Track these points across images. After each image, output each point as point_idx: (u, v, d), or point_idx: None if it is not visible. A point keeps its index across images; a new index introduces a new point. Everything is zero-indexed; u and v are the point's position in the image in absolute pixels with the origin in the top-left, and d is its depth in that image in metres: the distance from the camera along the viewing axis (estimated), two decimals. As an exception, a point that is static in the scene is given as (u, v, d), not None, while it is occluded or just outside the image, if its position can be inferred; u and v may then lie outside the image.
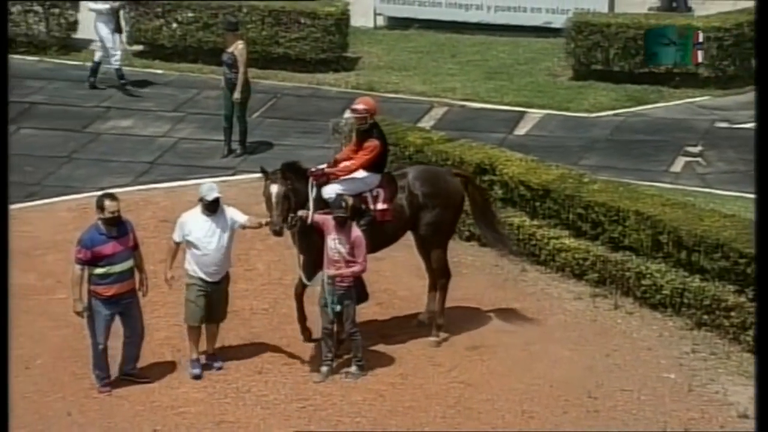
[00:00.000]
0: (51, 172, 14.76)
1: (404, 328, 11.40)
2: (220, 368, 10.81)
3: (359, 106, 11.13)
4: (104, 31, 16.43)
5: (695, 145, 15.13)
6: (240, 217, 10.77)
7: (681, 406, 10.41)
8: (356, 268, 10.60)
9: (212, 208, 10.62)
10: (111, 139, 15.58)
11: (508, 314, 11.70)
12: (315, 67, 17.36)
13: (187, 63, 17.54)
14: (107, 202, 10.33)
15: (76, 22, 17.97)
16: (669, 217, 11.71)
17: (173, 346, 11.10)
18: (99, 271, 10.31)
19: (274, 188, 10.56)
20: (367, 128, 11.06)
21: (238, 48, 14.75)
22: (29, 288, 12.20)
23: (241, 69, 14.67)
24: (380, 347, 11.13)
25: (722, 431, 10.13)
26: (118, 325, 10.63)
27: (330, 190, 10.82)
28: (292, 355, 11.09)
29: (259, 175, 14.31)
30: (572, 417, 10.29)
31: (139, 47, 17.89)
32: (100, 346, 10.50)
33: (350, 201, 10.80)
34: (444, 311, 11.27)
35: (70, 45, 17.98)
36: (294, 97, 16.67)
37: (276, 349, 11.19)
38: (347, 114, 15.21)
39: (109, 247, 10.31)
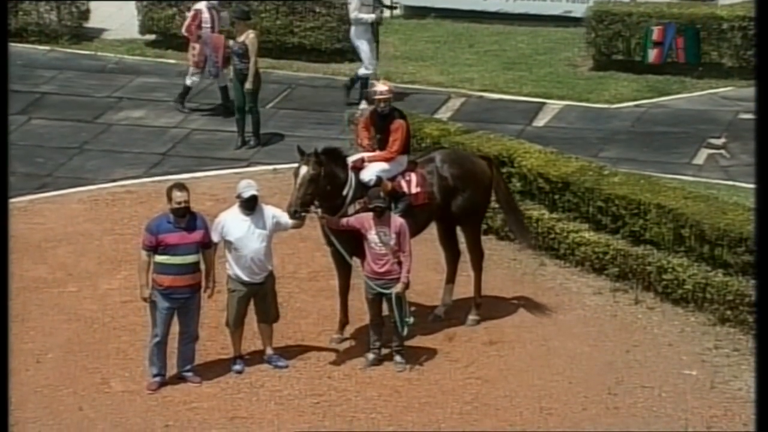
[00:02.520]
0: (62, 163, 14.67)
1: (420, 323, 11.25)
2: (286, 367, 10.64)
3: (383, 87, 11.12)
4: (364, 42, 15.51)
5: (718, 137, 14.99)
6: (285, 219, 10.52)
7: (703, 404, 10.30)
8: (408, 264, 10.47)
9: (250, 206, 10.41)
10: (123, 129, 15.49)
11: (526, 309, 11.60)
12: (330, 57, 17.21)
13: (201, 53, 17.39)
14: (175, 192, 10.25)
15: (87, 11, 17.88)
16: (691, 210, 11.58)
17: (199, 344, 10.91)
18: (160, 259, 10.23)
19: (303, 170, 10.47)
20: (389, 111, 10.99)
21: (249, 37, 14.60)
22: (40, 281, 12.12)
23: (252, 59, 14.51)
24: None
25: (745, 429, 9.96)
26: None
27: (369, 173, 10.75)
28: (306, 350, 10.96)
29: (272, 167, 14.45)
30: (591, 414, 10.18)
31: (152, 36, 17.78)
32: (156, 339, 10.37)
33: (389, 185, 10.76)
34: (481, 290, 11.35)
35: (82, 34, 17.88)
36: (309, 87, 16.55)
37: (290, 344, 11.05)
38: (363, 105, 15.13)
39: (174, 237, 10.20)
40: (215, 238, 10.47)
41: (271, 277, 10.61)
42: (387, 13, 18.72)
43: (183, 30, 15.57)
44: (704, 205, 11.65)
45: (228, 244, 10.45)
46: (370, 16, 15.61)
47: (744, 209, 11.52)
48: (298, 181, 10.45)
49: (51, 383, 10.58)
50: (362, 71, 15.68)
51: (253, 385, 10.54)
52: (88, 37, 17.88)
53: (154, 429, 10.04)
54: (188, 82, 15.56)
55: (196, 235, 10.27)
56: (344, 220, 10.58)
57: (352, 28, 15.73)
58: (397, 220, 10.54)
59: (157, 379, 10.47)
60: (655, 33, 16.17)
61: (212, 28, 15.32)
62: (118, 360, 10.87)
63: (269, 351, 10.73)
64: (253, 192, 10.40)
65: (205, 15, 15.33)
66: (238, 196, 10.47)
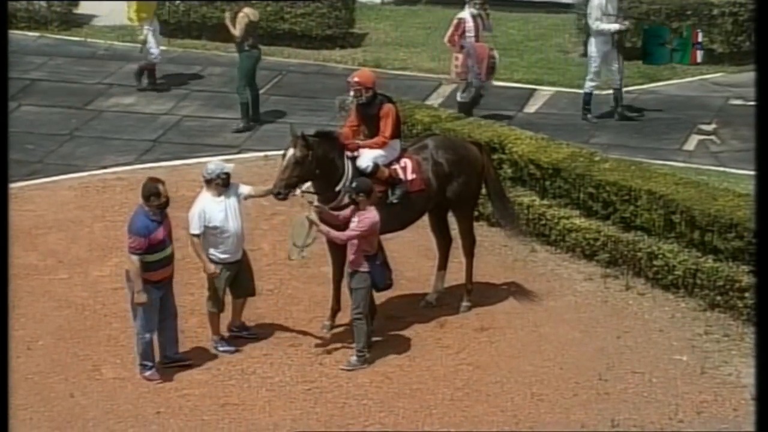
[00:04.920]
0: (52, 149, 14.65)
1: (412, 309, 11.26)
2: (255, 335, 10.73)
3: (351, 79, 11.11)
4: (598, 51, 14.69)
5: (709, 123, 15.00)
6: (244, 188, 10.68)
7: (693, 389, 10.32)
8: (333, 233, 10.31)
9: (226, 182, 10.50)
10: (113, 116, 15.47)
11: (517, 295, 11.61)
12: (321, 43, 17.18)
13: (191, 39, 17.38)
14: (161, 188, 10.27)
15: (78, -3, 17.81)
16: (682, 196, 11.60)
17: (184, 330, 10.93)
18: (153, 257, 10.23)
19: (290, 152, 10.48)
20: (366, 101, 10.94)
21: (238, 16, 14.65)
22: (31, 268, 12.11)
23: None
24: (387, 328, 11.01)
25: (735, 414, 9.98)
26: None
27: (365, 161, 10.72)
28: (297, 337, 10.96)
29: (263, 153, 14.43)
30: (582, 399, 10.21)
31: (142, 23, 17.70)
32: (147, 336, 10.37)
33: (386, 172, 10.70)
34: (472, 277, 11.35)
35: (72, 21, 17.82)
36: (299, 74, 16.52)
37: (281, 330, 11.09)
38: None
39: (160, 233, 10.26)
40: (196, 229, 10.48)
41: (244, 251, 10.70)
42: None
43: (445, 40, 14.75)
44: (695, 191, 11.67)
45: (212, 230, 10.48)
46: (613, 26, 14.79)
47: (734, 195, 11.54)
48: (284, 163, 10.46)
49: (42, 370, 10.59)
50: (588, 84, 14.95)
51: (244, 371, 10.55)
52: (78, 23, 17.83)
53: (145, 416, 10.05)
54: (459, 98, 14.61)
55: (169, 225, 10.38)
56: (341, 215, 10.46)
57: (591, 39, 14.96)
58: (369, 212, 10.31)
59: (154, 370, 10.48)
60: (701, 35, 15.92)
61: (476, 37, 14.56)
62: (109, 347, 10.88)
63: (237, 323, 10.78)
64: (229, 168, 10.50)
65: (469, 24, 14.52)
66: (209, 181, 10.50)
